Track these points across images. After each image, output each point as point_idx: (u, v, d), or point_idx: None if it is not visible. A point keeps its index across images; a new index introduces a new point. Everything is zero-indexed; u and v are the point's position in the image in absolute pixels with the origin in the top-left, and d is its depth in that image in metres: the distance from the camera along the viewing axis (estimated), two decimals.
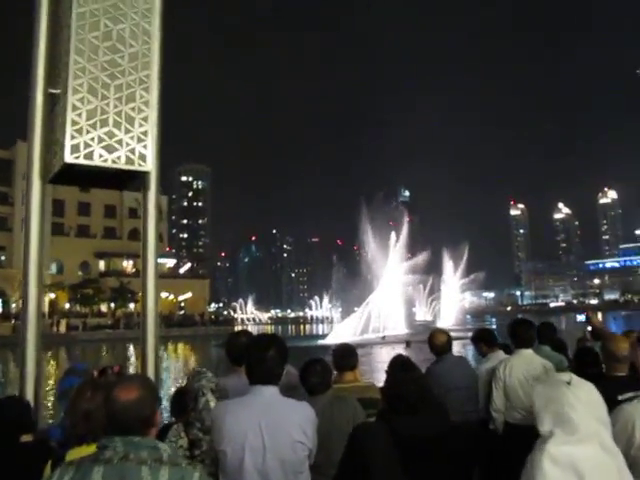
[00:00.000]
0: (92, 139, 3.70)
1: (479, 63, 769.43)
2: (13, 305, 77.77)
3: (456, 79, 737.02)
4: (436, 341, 5.52)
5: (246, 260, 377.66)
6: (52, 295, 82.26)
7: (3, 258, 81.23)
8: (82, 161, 3.66)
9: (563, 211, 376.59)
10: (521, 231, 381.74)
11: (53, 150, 3.86)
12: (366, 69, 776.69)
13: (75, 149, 3.65)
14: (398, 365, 3.78)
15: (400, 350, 40.33)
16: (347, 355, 4.85)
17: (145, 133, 3.89)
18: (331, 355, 4.94)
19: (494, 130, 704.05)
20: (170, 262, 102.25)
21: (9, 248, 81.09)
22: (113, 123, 3.79)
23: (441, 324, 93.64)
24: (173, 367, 36.35)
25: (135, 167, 3.84)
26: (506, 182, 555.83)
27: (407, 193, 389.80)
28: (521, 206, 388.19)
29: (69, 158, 3.62)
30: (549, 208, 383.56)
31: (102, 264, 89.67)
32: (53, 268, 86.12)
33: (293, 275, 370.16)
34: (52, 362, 43.86)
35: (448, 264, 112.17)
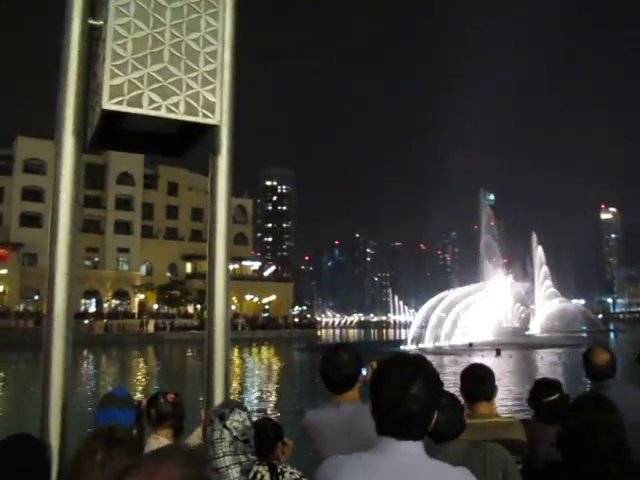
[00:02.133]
0: (140, 78, 2.68)
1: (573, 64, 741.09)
2: (105, 305, 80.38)
3: (555, 81, 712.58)
4: (597, 360, 4.16)
5: (329, 264, 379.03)
6: (142, 296, 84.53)
7: (96, 259, 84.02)
8: (126, 108, 2.64)
9: None
10: (613, 236, 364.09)
11: (93, 100, 2.89)
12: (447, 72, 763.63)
13: (117, 92, 2.63)
14: (589, 401, 2.63)
15: (490, 358, 38.23)
16: (482, 380, 3.62)
17: (213, 73, 2.84)
18: (459, 378, 3.74)
19: (586, 129, 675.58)
20: (255, 265, 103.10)
21: (102, 250, 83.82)
22: (169, 58, 2.75)
23: (530, 331, 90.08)
24: (256, 375, 35.58)
25: (199, 118, 2.78)
26: (598, 184, 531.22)
27: (492, 197, 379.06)
28: (613, 209, 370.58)
29: (108, 103, 2.61)
30: None
31: (189, 266, 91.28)
32: (143, 269, 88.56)
33: (376, 279, 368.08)
34: (139, 359, 44.50)
35: (537, 269, 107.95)
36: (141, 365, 39.97)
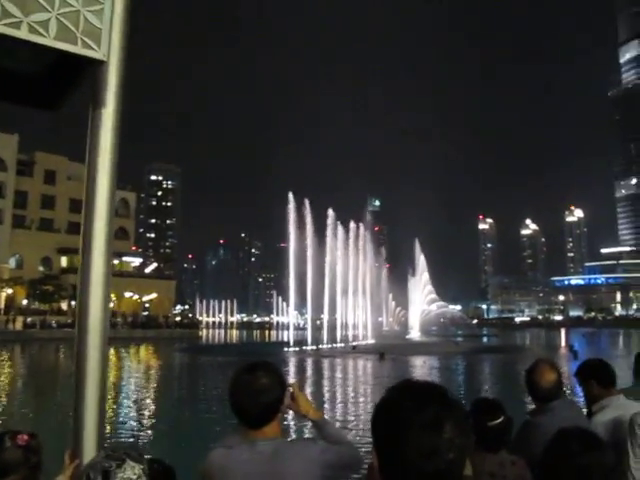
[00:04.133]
0: None
1: (452, 77, 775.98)
2: None
3: (428, 94, 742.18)
4: (543, 382, 3.69)
5: (214, 263, 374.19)
6: (9, 290, 79.03)
7: None
8: None
9: (530, 227, 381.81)
10: (489, 245, 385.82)
11: None
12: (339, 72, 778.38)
13: None
14: (575, 439, 2.15)
15: (374, 362, 38.55)
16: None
17: None
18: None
19: (465, 146, 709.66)
20: (136, 261, 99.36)
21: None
22: None
23: (410, 335, 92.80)
24: (136, 386, 33.56)
25: (77, 48, 1.99)
26: (476, 197, 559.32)
27: (377, 203, 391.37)
28: (489, 221, 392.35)
29: None
30: (517, 224, 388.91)
31: (64, 260, 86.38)
32: (12, 262, 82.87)
33: (260, 280, 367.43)
34: (7, 362, 41.18)
35: (417, 275, 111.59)
36: (2, 371, 36.25)
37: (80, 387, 2.30)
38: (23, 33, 1.92)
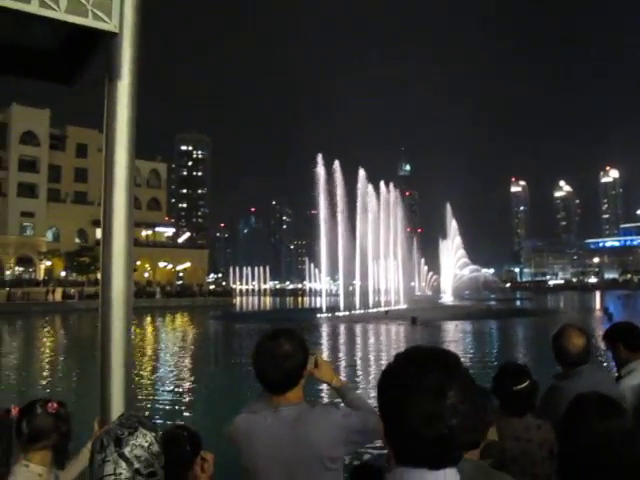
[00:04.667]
0: None
1: (489, 38, 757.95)
2: (8, 272, 76.30)
3: (460, 56, 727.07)
4: (570, 346, 3.62)
5: (245, 231, 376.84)
6: (48, 263, 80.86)
7: None
8: None
9: (564, 189, 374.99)
10: (521, 208, 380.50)
11: None
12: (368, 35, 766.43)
13: None
14: (589, 403, 2.14)
15: (406, 327, 38.59)
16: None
17: None
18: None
19: (497, 107, 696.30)
20: (169, 231, 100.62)
21: (3, 214, 79.16)
22: None
23: (443, 299, 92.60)
24: (167, 354, 34.23)
25: (88, 21, 1.98)
26: (508, 159, 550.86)
27: (408, 167, 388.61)
28: (522, 183, 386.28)
29: None
30: (550, 186, 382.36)
31: (99, 232, 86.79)
32: (49, 235, 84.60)
33: (292, 247, 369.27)
34: (44, 332, 42.32)
35: (449, 239, 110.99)
36: (44, 340, 36.99)
37: (105, 357, 2.36)
38: (34, 8, 1.92)
